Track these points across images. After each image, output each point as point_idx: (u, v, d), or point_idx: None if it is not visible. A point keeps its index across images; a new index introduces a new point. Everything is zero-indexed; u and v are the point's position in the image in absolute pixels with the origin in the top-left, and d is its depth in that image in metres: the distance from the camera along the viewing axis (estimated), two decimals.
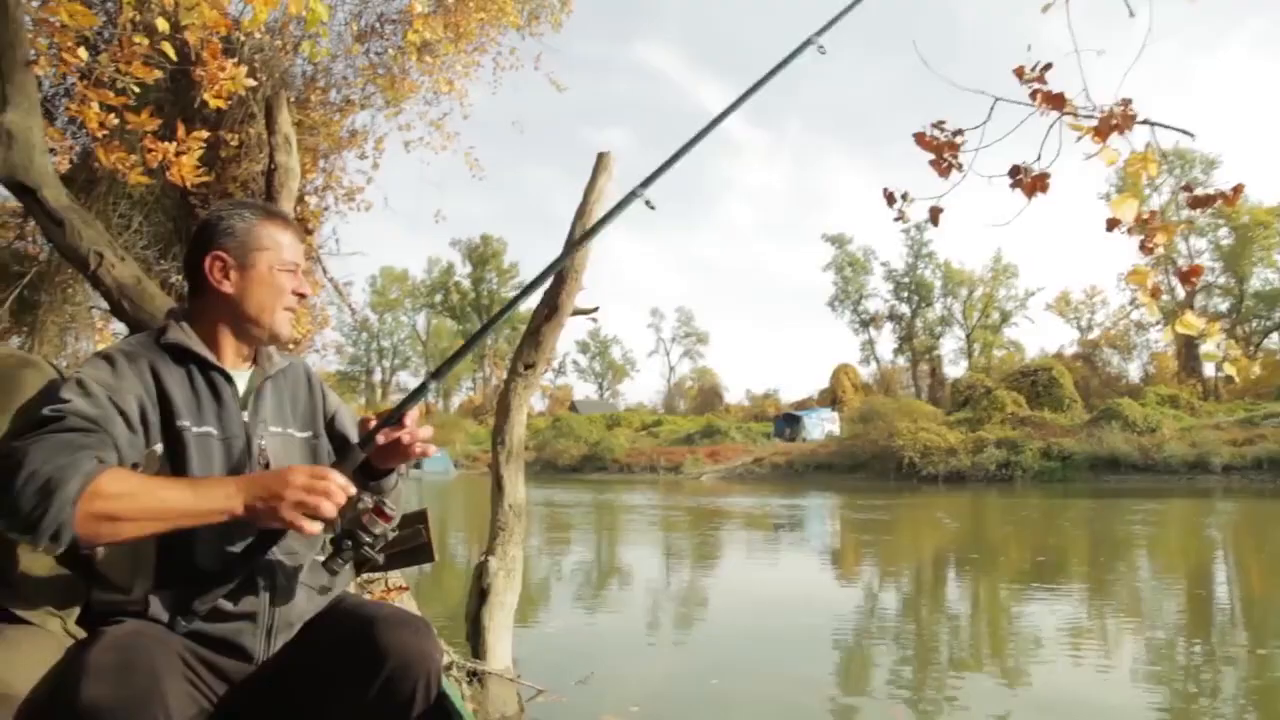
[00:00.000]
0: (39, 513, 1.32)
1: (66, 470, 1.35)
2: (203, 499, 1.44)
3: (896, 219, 3.25)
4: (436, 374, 1.77)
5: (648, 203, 1.90)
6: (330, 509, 1.48)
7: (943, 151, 3.14)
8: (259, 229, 1.77)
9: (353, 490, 1.54)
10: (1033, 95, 3.01)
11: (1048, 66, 3.00)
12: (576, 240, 2.51)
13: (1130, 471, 35.36)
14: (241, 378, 1.76)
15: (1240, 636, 6.88)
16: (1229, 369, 3.02)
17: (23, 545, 1.54)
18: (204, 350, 1.70)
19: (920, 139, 3.17)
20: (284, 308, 1.78)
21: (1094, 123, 2.97)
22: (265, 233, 1.77)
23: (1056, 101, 2.99)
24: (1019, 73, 3.03)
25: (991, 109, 3.01)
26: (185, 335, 1.70)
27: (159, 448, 1.60)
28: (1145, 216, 3.03)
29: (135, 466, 1.53)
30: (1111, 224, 3.05)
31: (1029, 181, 3.07)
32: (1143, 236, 3.02)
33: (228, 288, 1.73)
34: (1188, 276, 3.50)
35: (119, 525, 1.39)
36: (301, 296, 1.82)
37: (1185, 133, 2.99)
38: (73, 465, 1.36)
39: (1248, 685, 5.41)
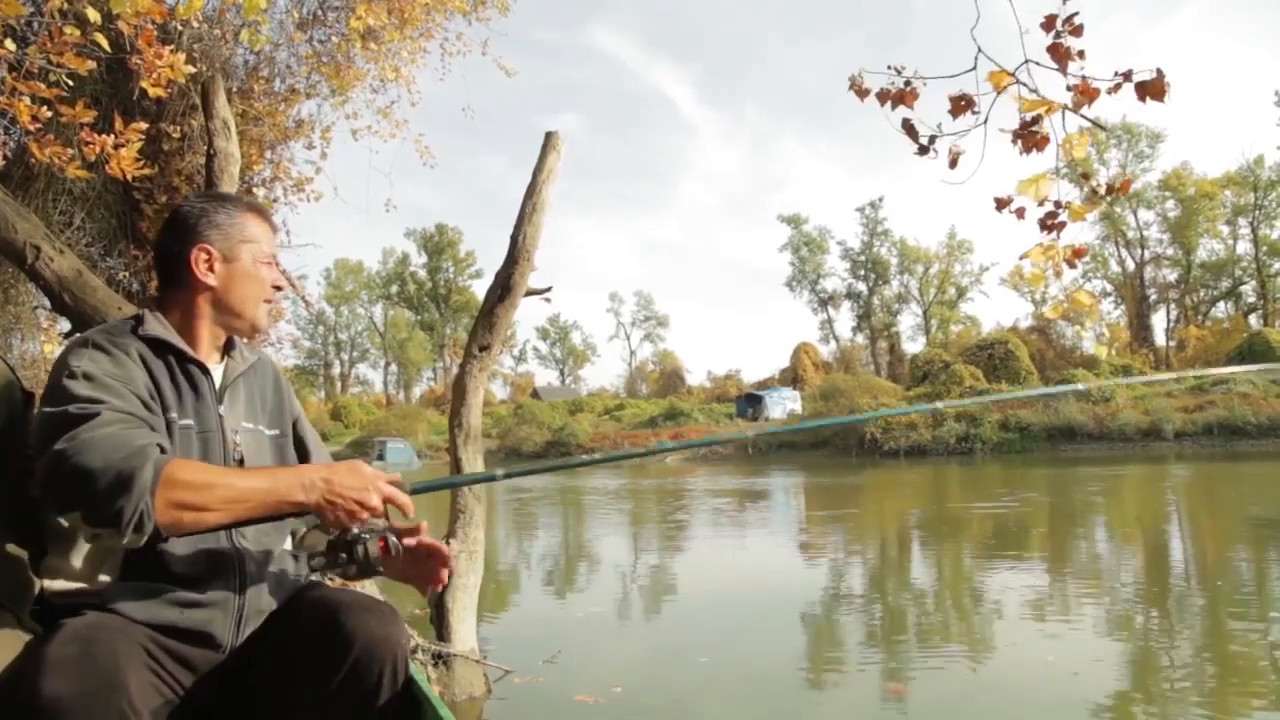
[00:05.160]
0: (119, 505, 1.31)
1: (134, 459, 1.35)
2: (281, 488, 1.46)
3: (918, 152, 3.20)
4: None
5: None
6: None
7: (899, 101, 3.13)
8: (242, 222, 1.79)
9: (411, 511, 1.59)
10: (1053, 48, 2.94)
11: (1074, 16, 2.91)
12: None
13: (1086, 440, 36.06)
14: (215, 371, 1.76)
15: (1197, 600, 7.07)
16: (1099, 350, 3.06)
17: None
18: (182, 343, 1.70)
19: (855, 87, 3.15)
20: (264, 300, 1.81)
21: (1064, 97, 2.95)
22: (248, 225, 1.80)
23: (1078, 57, 2.94)
24: (1050, 21, 2.94)
25: (976, 57, 2.97)
26: (164, 328, 1.70)
27: None
28: (1045, 197, 3.05)
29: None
30: (1000, 204, 3.08)
31: (1034, 139, 3.03)
32: (1042, 215, 3.05)
33: (212, 280, 1.74)
34: (1072, 257, 3.50)
35: (201, 515, 1.40)
36: (279, 289, 1.86)
37: (1098, 125, 3.02)
38: (140, 455, 1.36)
39: (1204, 644, 5.57)
